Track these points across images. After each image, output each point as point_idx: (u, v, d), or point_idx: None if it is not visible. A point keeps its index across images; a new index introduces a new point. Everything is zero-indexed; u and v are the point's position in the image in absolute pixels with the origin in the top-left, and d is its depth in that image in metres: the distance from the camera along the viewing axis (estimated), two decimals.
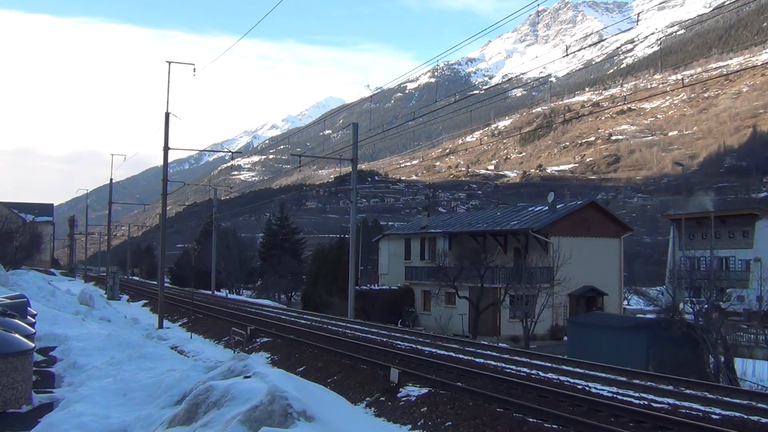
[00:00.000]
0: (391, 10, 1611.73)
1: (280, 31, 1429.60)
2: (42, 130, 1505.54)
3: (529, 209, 47.14)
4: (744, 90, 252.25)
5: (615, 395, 14.33)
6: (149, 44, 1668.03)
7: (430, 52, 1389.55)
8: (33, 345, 10.91)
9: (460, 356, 20.25)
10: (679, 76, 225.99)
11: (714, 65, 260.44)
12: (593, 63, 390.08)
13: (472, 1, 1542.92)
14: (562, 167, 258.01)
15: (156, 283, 56.00)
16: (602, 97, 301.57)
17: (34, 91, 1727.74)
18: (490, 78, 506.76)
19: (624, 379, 16.80)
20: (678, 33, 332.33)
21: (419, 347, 22.41)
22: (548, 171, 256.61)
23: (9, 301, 14.41)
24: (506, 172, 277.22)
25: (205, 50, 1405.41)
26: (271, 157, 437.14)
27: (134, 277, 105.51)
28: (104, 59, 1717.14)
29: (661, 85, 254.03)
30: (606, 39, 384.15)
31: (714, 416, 12.38)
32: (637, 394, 14.65)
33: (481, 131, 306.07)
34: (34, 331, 13.32)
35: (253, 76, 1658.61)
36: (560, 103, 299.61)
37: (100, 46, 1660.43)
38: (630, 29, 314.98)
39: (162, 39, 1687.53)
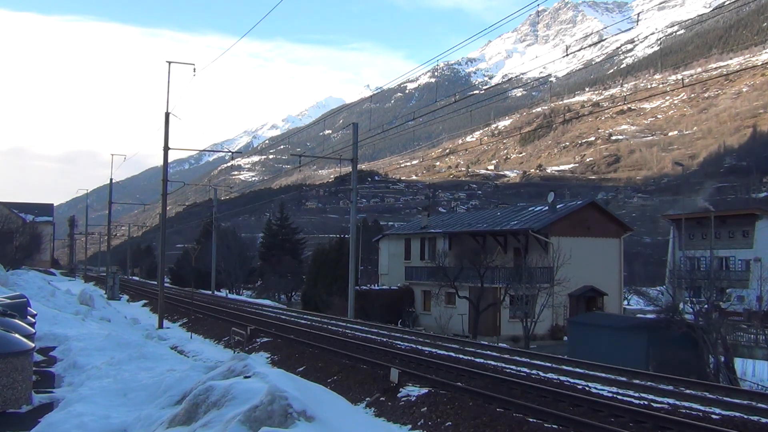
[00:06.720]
0: (381, 8, 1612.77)
1: (270, 30, 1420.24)
2: (35, 130, 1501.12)
3: (529, 209, 47.17)
4: (744, 90, 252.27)
5: (615, 395, 14.32)
6: (140, 43, 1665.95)
7: (421, 50, 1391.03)
8: (33, 345, 10.90)
9: (460, 356, 20.24)
10: (679, 76, 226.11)
11: (714, 65, 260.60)
12: (593, 63, 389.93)
13: (463, 0, 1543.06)
14: (562, 167, 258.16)
15: (156, 283, 55.97)
16: (602, 97, 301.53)
17: (26, 90, 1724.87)
18: (490, 78, 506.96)
19: (624, 379, 16.79)
20: (678, 33, 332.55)
21: (419, 347, 22.40)
22: (548, 171, 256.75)
23: (9, 301, 14.41)
24: (506, 172, 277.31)
25: (196, 49, 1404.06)
26: (271, 157, 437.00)
27: (134, 277, 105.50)
28: (95, 58, 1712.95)
29: (661, 85, 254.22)
30: (606, 39, 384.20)
31: (714, 416, 12.38)
32: (637, 394, 14.64)
33: (481, 131, 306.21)
34: (34, 331, 13.32)
35: (246, 75, 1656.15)
36: (560, 103, 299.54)
37: (90, 45, 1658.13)
38: (630, 29, 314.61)
39: (152, 37, 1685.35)
